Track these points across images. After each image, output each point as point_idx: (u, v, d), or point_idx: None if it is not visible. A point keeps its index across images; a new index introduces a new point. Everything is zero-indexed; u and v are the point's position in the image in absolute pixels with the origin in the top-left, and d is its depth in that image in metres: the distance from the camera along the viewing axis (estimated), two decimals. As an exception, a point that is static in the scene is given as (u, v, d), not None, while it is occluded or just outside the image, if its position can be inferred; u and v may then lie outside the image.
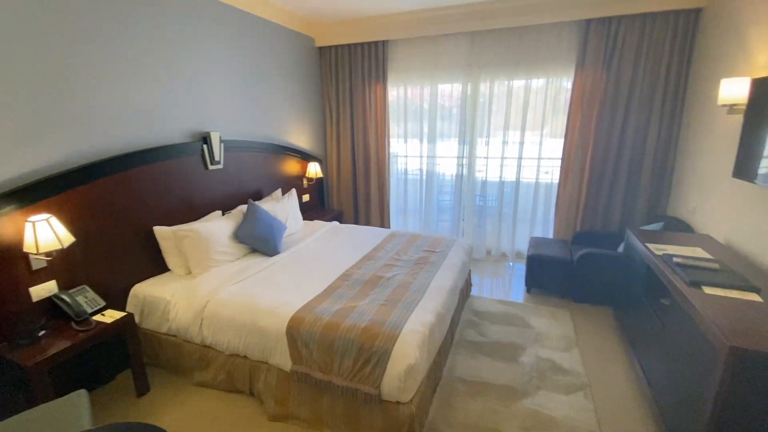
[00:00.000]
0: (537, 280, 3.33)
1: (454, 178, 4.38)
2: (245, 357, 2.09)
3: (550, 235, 4.01)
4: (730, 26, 2.57)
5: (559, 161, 3.75)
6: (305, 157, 4.18)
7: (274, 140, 3.78)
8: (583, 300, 3.18)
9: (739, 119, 2.33)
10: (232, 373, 2.14)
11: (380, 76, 4.14)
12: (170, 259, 2.50)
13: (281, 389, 1.96)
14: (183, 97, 2.72)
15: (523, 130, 3.89)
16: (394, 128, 4.42)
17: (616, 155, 3.48)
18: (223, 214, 2.92)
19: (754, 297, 1.62)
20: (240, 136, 3.31)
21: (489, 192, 4.29)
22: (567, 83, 3.66)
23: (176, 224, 2.57)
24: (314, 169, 4.11)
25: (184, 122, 2.74)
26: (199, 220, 2.72)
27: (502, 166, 4.11)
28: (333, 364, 1.80)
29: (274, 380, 1.98)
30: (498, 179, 4.17)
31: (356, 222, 4.73)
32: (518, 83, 3.84)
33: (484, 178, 4.22)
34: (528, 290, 3.42)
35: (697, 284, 1.74)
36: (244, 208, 2.93)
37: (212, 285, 2.30)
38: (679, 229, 2.87)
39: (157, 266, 2.52)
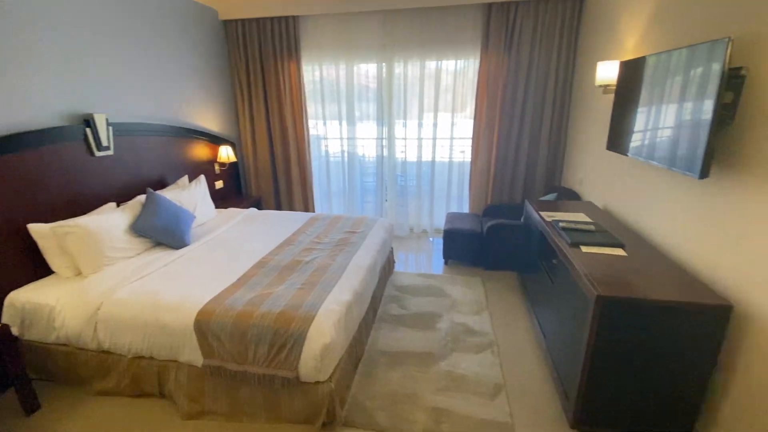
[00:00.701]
0: (453, 253, 3.55)
1: (375, 159, 4.42)
2: (151, 358, 1.94)
3: (466, 210, 4.27)
4: (606, 14, 2.90)
5: (470, 140, 3.97)
6: (215, 140, 3.90)
7: (177, 123, 3.45)
8: (493, 267, 3.47)
9: (611, 98, 2.66)
10: (138, 376, 1.97)
11: (293, 53, 3.96)
12: (53, 260, 2.19)
13: (194, 386, 1.86)
14: (57, 74, 2.34)
15: (436, 111, 4.03)
16: (312, 109, 4.30)
17: (518, 134, 3.79)
18: (119, 206, 2.62)
19: (620, 252, 1.91)
20: (135, 119, 2.96)
21: (409, 172, 4.41)
22: (474, 65, 3.86)
23: (59, 220, 2.25)
24: (226, 153, 3.86)
25: (59, 103, 2.37)
26: (88, 214, 2.41)
27: (419, 146, 4.24)
28: (248, 353, 1.75)
29: (186, 378, 1.87)
30: (416, 159, 4.31)
31: (278, 208, 4.58)
32: (430, 64, 3.95)
33: (403, 159, 4.33)
34: (446, 262, 3.63)
35: (576, 244, 2.00)
36: (143, 198, 2.66)
37: (107, 284, 2.07)
38: (569, 198, 3.24)
39: (38, 269, 2.20)
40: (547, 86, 3.61)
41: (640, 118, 2.10)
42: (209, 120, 3.91)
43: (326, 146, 4.44)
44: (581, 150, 3.32)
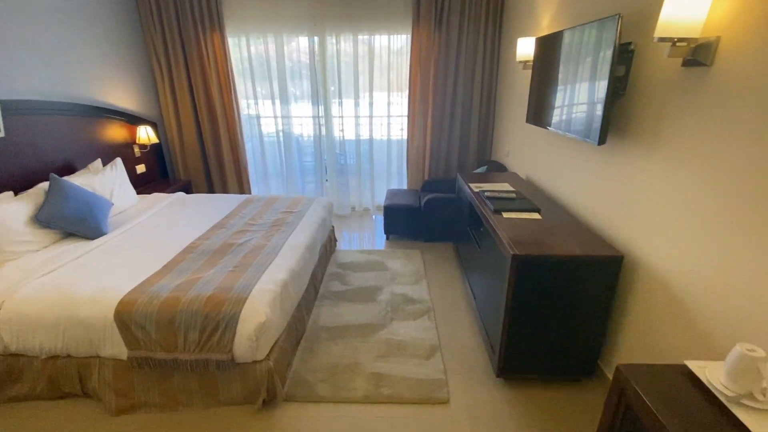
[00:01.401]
0: (394, 228, 3.64)
1: (313, 138, 4.32)
2: (69, 356, 1.79)
3: (405, 186, 4.37)
4: (524, -7, 3.04)
5: (406, 118, 4.02)
6: (133, 120, 3.56)
7: (85, 100, 3.10)
8: (431, 239, 3.61)
9: (528, 73, 2.83)
10: (55, 377, 1.82)
11: (216, 24, 3.69)
12: (-65, 259, 1.92)
13: (121, 380, 1.77)
14: None
15: (371, 87, 4.01)
16: (242, 86, 4.07)
17: (450, 110, 3.90)
18: (17, 195, 2.32)
19: (536, 216, 2.08)
20: (31, 95, 2.61)
21: (348, 150, 4.39)
22: (407, 41, 3.87)
23: (-64, 214, 1.95)
24: (146, 134, 3.55)
25: None
26: (-24, 206, 2.12)
27: (356, 125, 4.22)
28: (177, 340, 1.69)
29: (111, 373, 1.76)
30: (355, 138, 4.28)
31: (211, 192, 4.34)
32: (364, 40, 3.90)
33: (342, 137, 4.28)
34: (387, 237, 3.72)
35: (498, 211, 2.14)
36: (46, 185, 2.38)
37: (7, 282, 1.86)
38: (498, 170, 3.44)
39: None
40: (476, 63, 3.74)
41: (551, 92, 2.26)
42: (125, 98, 3.56)
43: (259, 125, 4.25)
44: (507, 124, 3.51)
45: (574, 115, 1.97)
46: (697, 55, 1.36)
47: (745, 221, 1.20)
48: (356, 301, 2.64)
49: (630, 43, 1.72)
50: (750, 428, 0.84)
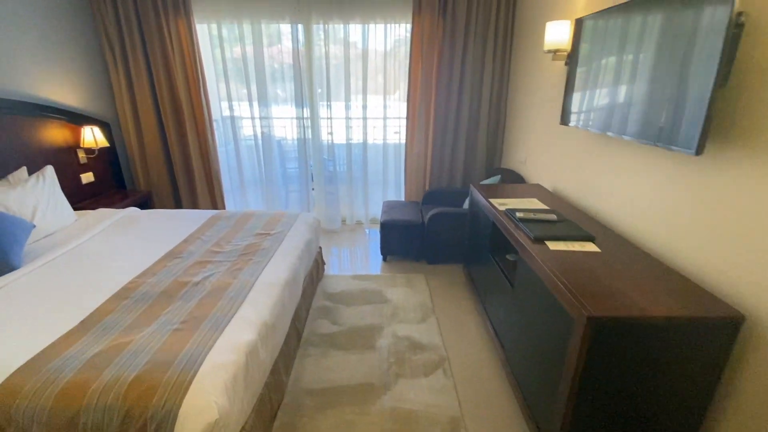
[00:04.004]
0: (392, 247, 3.10)
1: (296, 142, 3.76)
2: None
3: (403, 198, 3.83)
4: (549, -29, 2.55)
5: (405, 120, 3.50)
6: (77, 119, 2.94)
7: (12, 94, 2.48)
8: (436, 260, 3.08)
9: (562, 65, 2.33)
10: None
11: (180, 6, 3.10)
12: None
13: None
14: None
15: (364, 85, 3.48)
16: (213, 81, 3.49)
17: (456, 110, 3.39)
18: None
19: (592, 247, 1.57)
20: None
21: (338, 156, 3.84)
22: (406, 30, 3.36)
23: None
24: (93, 136, 2.93)
25: None
26: None
27: (347, 127, 3.67)
28: (80, 451, 1.11)
29: (-17, 497, 1.17)
30: (345, 141, 3.74)
31: (178, 205, 3.73)
32: (355, 28, 3.37)
33: (330, 141, 3.73)
34: (384, 258, 3.17)
35: (540, 240, 1.62)
36: (-67, 204, 1.77)
37: None
38: (513, 180, 2.94)
39: None
40: (486, 54, 3.24)
41: (607, 85, 1.76)
42: (68, 93, 2.94)
43: (235, 127, 3.66)
44: (523, 126, 3.02)
45: (650, 116, 1.47)
46: None
47: None
48: (350, 348, 2.09)
49: (740, 14, 1.22)
50: None
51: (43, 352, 1.28)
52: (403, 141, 3.65)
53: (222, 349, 1.29)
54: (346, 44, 3.38)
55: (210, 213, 2.64)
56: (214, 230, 2.35)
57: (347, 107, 3.57)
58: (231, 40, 3.42)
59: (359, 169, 3.86)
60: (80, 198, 2.96)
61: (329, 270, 3.02)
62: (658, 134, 1.43)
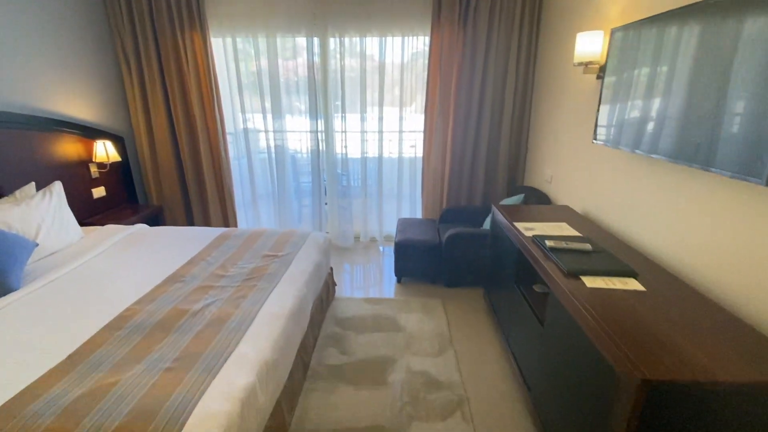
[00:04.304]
0: (407, 268, 2.93)
1: (310, 155, 3.67)
2: None
3: (418, 213, 3.68)
4: (577, -21, 2.40)
5: (422, 133, 3.36)
6: (90, 133, 2.92)
7: (26, 109, 2.47)
8: (454, 284, 2.90)
9: (593, 78, 2.16)
10: None
11: (196, 21, 3.08)
12: None
13: None
14: None
15: (381, 98, 3.37)
16: (227, 95, 3.44)
17: (476, 124, 3.24)
18: None
19: (635, 285, 1.38)
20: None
21: (352, 170, 3.73)
22: (425, 43, 3.25)
23: None
24: (106, 150, 2.90)
25: None
26: None
27: (362, 140, 3.56)
28: None
29: None
30: (360, 155, 3.63)
31: (189, 220, 3.67)
32: (372, 40, 3.28)
33: (344, 155, 3.62)
34: (399, 280, 3.01)
35: (575, 274, 1.44)
36: (-67, 222, 1.72)
37: None
38: (538, 200, 2.75)
39: None
40: (508, 67, 3.09)
41: (653, 101, 1.58)
42: (84, 107, 2.93)
43: (248, 141, 3.60)
44: (549, 143, 2.84)
45: (717, 139, 1.28)
46: None
47: None
48: (360, 383, 1.92)
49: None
50: None
51: (23, 392, 1.17)
52: (420, 155, 3.51)
53: (215, 396, 1.15)
54: (363, 57, 3.28)
55: (218, 231, 2.55)
56: (221, 251, 2.24)
57: (362, 119, 3.47)
58: (246, 53, 3.37)
59: (374, 184, 3.73)
60: (91, 213, 2.92)
61: (340, 291, 2.88)
62: (715, 159, 1.24)
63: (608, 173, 2.06)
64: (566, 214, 2.21)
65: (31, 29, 2.52)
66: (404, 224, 3.17)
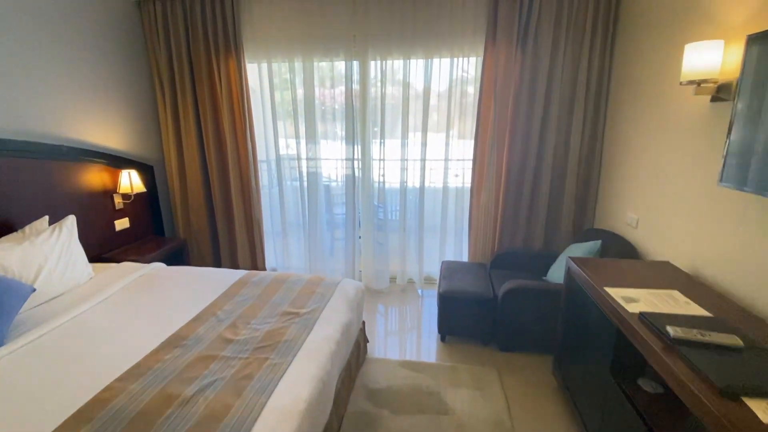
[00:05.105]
0: (453, 325, 2.47)
1: (344, 185, 3.35)
2: None
3: (464, 254, 3.21)
4: (674, -18, 1.95)
5: (471, 162, 2.96)
6: (117, 162, 2.77)
7: (50, 138, 2.34)
8: (511, 347, 2.39)
9: (706, 101, 1.68)
10: None
11: (231, 45, 2.92)
12: None
13: None
14: None
15: (424, 124, 3.01)
16: (259, 120, 3.24)
17: (537, 154, 2.79)
18: None
19: None
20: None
21: (390, 201, 3.37)
22: (476, 64, 2.89)
23: None
24: (130, 181, 2.72)
25: None
26: None
27: (402, 169, 3.20)
28: None
29: None
30: (399, 185, 3.26)
31: (216, 253, 3.43)
32: (417, 63, 2.96)
33: (381, 184, 3.26)
34: (443, 338, 2.53)
35: (733, 394, 0.94)
36: None
37: None
38: (620, 249, 2.22)
39: None
40: (577, 89, 2.64)
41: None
42: (111, 134, 2.80)
43: (280, 169, 3.35)
44: (633, 178, 2.32)
45: None
46: None
47: None
48: (396, 495, 1.46)
49: None
50: None
51: None
52: (466, 184, 3.09)
53: None
54: (405, 79, 2.97)
55: (237, 275, 2.23)
56: (236, 302, 1.91)
57: (403, 145, 3.11)
58: (281, 77, 3.17)
59: (414, 218, 3.33)
60: (112, 246, 2.73)
61: (373, 348, 2.45)
62: None
63: (734, 224, 1.54)
64: (670, 275, 1.69)
65: (62, 60, 2.42)
66: (449, 269, 2.72)
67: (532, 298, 2.23)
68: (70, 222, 2.16)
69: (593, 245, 2.29)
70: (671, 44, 1.94)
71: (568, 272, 1.90)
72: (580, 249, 2.34)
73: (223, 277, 2.20)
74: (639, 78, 2.27)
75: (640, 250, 2.21)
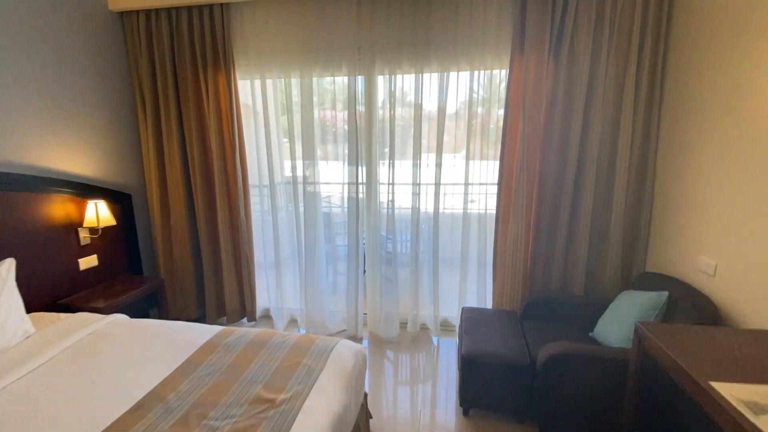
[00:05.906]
0: (478, 396, 1.97)
1: (347, 212, 2.93)
2: None
3: (488, 295, 2.71)
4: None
5: (495, 187, 2.52)
6: (86, 191, 2.41)
7: (12, 166, 2.00)
8: (554, 427, 1.87)
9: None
10: None
11: (221, 60, 2.59)
12: None
13: None
14: None
15: (439, 146, 2.60)
16: (252, 141, 2.87)
17: (574, 183, 2.34)
18: None
19: None
20: None
21: (400, 231, 2.94)
22: (501, 77, 2.50)
23: None
24: (97, 213, 2.34)
25: None
26: None
27: (414, 193, 2.77)
28: None
29: None
30: (410, 212, 2.82)
31: (200, 296, 3.01)
32: (431, 77, 2.58)
33: (389, 212, 2.84)
34: (465, 412, 2.03)
35: None
36: None
37: None
38: (692, 303, 1.72)
39: None
40: (623, 105, 2.21)
41: None
42: (83, 159, 2.45)
43: (273, 195, 2.94)
44: (703, 215, 1.85)
45: None
46: None
47: None
48: None
49: None
50: None
51: None
52: (489, 210, 2.64)
53: None
54: (417, 101, 2.57)
55: (209, 334, 1.79)
56: (198, 377, 1.46)
57: (414, 165, 2.70)
58: (277, 96, 2.82)
59: (427, 250, 2.87)
60: (73, 289, 2.34)
61: (377, 424, 1.96)
62: None
63: None
64: (794, 357, 1.20)
65: (37, 75, 2.11)
66: (471, 319, 2.24)
67: (583, 366, 1.73)
68: (6, 267, 1.76)
69: (657, 297, 1.80)
70: (715, 53, 1.51)
71: (639, 340, 1.41)
72: (639, 300, 1.85)
73: (192, 337, 1.77)
74: (691, 85, 1.83)
75: (719, 306, 1.71)
